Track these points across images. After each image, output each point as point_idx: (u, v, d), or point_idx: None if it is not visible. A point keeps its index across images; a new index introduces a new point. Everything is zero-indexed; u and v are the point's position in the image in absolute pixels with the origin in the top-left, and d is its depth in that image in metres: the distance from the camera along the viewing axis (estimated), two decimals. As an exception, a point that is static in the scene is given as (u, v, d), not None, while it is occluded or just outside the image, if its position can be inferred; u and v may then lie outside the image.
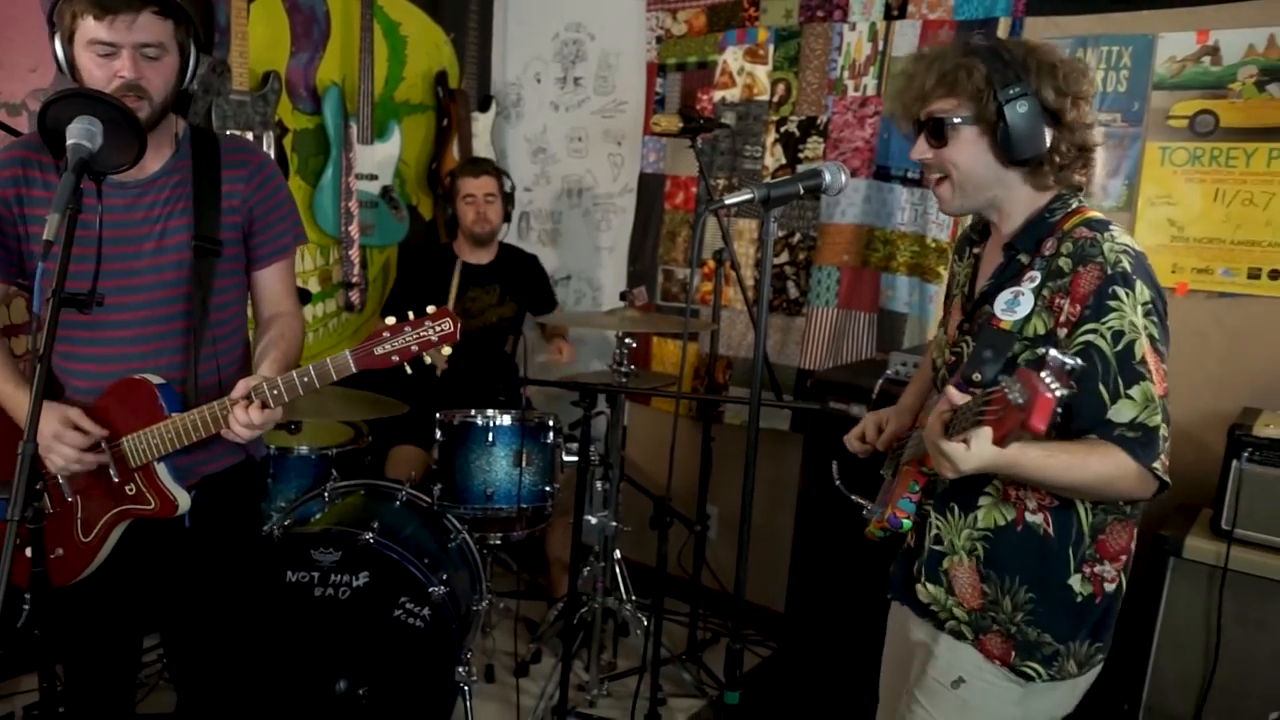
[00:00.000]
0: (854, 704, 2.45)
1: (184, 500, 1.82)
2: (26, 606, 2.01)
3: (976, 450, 1.23)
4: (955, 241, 1.83)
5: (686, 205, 3.54)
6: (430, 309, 1.67)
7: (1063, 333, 1.40)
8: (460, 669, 2.38)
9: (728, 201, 1.54)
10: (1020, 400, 1.10)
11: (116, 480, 1.80)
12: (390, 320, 1.67)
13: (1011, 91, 1.41)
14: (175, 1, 1.70)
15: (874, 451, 1.83)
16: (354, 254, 3.44)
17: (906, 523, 1.61)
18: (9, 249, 1.79)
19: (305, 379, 1.68)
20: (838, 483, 1.94)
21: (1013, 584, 1.49)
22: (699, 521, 2.90)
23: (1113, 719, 2.25)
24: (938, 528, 1.57)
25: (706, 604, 3.31)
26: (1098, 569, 1.49)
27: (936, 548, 1.57)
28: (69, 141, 1.54)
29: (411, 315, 1.67)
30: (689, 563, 3.19)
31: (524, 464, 2.67)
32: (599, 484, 2.89)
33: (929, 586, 1.57)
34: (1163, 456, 1.36)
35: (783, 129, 3.25)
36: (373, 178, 3.49)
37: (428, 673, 2.38)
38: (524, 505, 2.70)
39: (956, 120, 1.46)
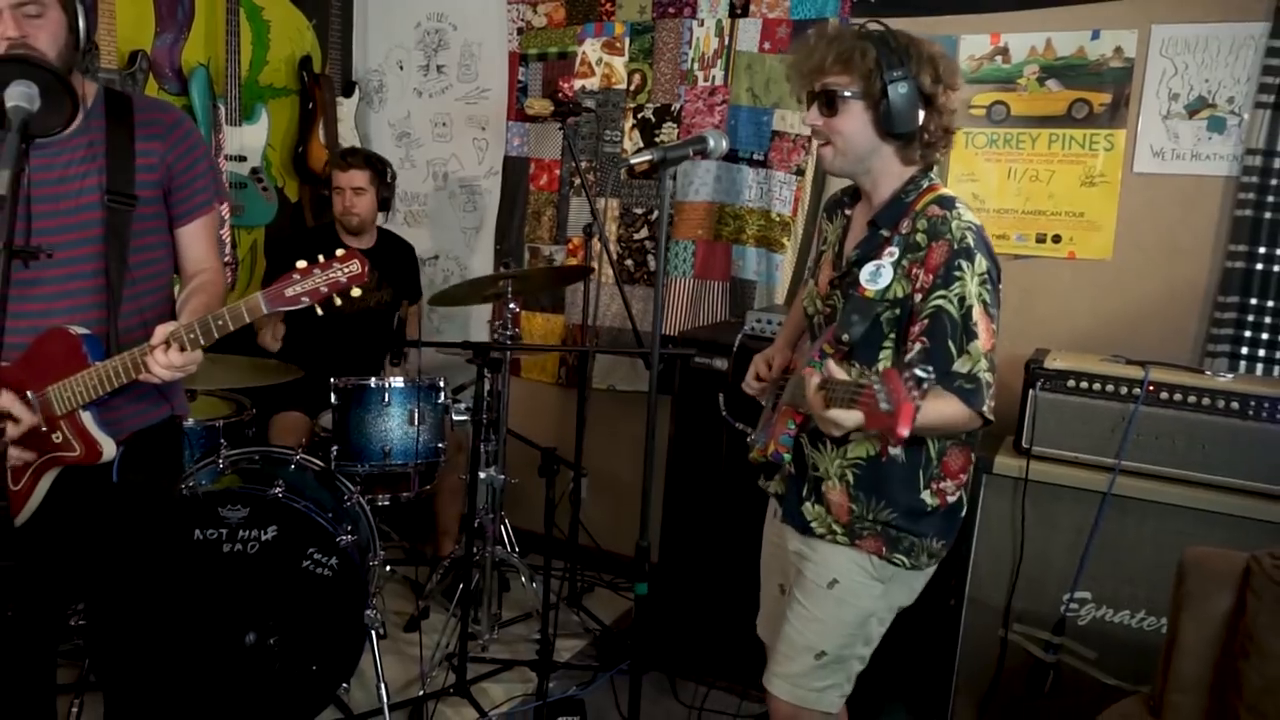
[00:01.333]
0: (730, 626, 2.78)
1: (109, 447, 1.89)
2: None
3: (854, 420, 1.44)
4: (825, 203, 2.08)
5: (550, 186, 3.78)
6: (339, 251, 1.75)
7: (918, 297, 1.69)
8: (369, 612, 2.54)
9: (632, 160, 1.79)
10: (887, 408, 1.32)
11: (43, 429, 1.87)
12: (301, 264, 1.75)
13: (895, 74, 1.68)
14: None
15: (767, 388, 2.09)
16: (225, 234, 3.48)
17: (786, 456, 1.88)
18: None
19: (220, 321, 1.74)
20: (724, 413, 2.22)
21: (877, 504, 1.80)
22: (578, 469, 3.14)
23: (942, 612, 2.66)
24: (814, 459, 1.86)
25: (582, 559, 3.56)
26: (941, 485, 1.82)
27: (815, 474, 1.86)
28: (9, 104, 1.62)
29: (321, 258, 1.74)
30: (564, 524, 3.42)
31: (418, 422, 2.84)
32: (483, 446, 3.09)
33: (814, 507, 1.86)
34: (989, 400, 1.69)
35: (640, 115, 3.54)
36: (241, 159, 3.54)
37: (336, 620, 2.51)
38: (419, 461, 2.87)
39: (847, 94, 1.71)
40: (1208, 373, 2.49)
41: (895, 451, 1.79)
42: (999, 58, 2.95)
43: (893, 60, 1.69)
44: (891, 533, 1.81)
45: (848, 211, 1.94)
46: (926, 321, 1.67)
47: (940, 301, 1.66)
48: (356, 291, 1.78)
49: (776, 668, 1.89)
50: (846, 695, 1.93)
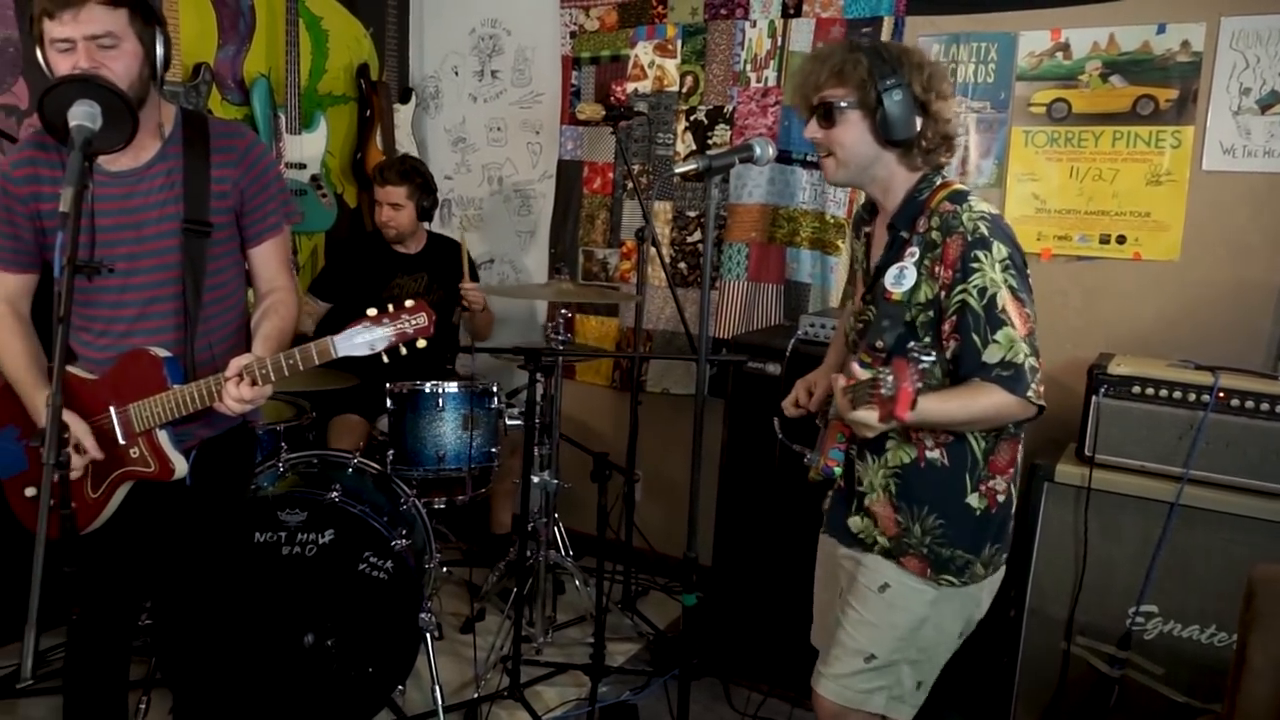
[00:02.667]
0: (785, 632, 2.76)
1: (180, 466, 1.95)
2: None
3: (874, 418, 1.49)
4: (852, 223, 2.09)
5: (604, 190, 3.78)
6: (409, 303, 1.80)
7: (943, 294, 1.69)
8: (424, 615, 2.57)
9: (678, 170, 1.80)
10: (888, 393, 1.38)
11: (123, 443, 1.93)
12: (372, 311, 1.80)
13: (888, 82, 1.70)
14: None
15: (808, 413, 2.07)
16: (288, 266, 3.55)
17: (837, 470, 1.88)
18: (28, 241, 1.92)
19: (290, 361, 1.81)
20: (780, 436, 2.18)
21: (921, 511, 1.79)
22: (630, 475, 3.14)
23: (1002, 624, 2.61)
24: (859, 471, 1.86)
25: (637, 562, 3.56)
26: (990, 484, 1.79)
27: (859, 488, 1.86)
28: (72, 123, 1.68)
29: (391, 308, 1.80)
30: (619, 526, 3.43)
31: (472, 428, 2.87)
32: (537, 450, 3.11)
33: (859, 519, 1.86)
34: (1034, 385, 1.65)
35: (692, 118, 3.52)
36: (301, 166, 3.61)
37: (392, 622, 2.55)
38: (473, 465, 2.90)
39: (843, 104, 1.73)
40: (1281, 378, 2.40)
41: (932, 455, 1.77)
42: (1060, 54, 2.88)
43: (885, 70, 1.71)
44: (941, 552, 1.79)
45: (867, 228, 1.95)
46: (954, 319, 1.68)
47: (961, 296, 1.67)
48: (422, 343, 1.81)
49: (825, 669, 1.89)
50: (903, 703, 1.90)
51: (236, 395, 1.80)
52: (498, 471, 3.13)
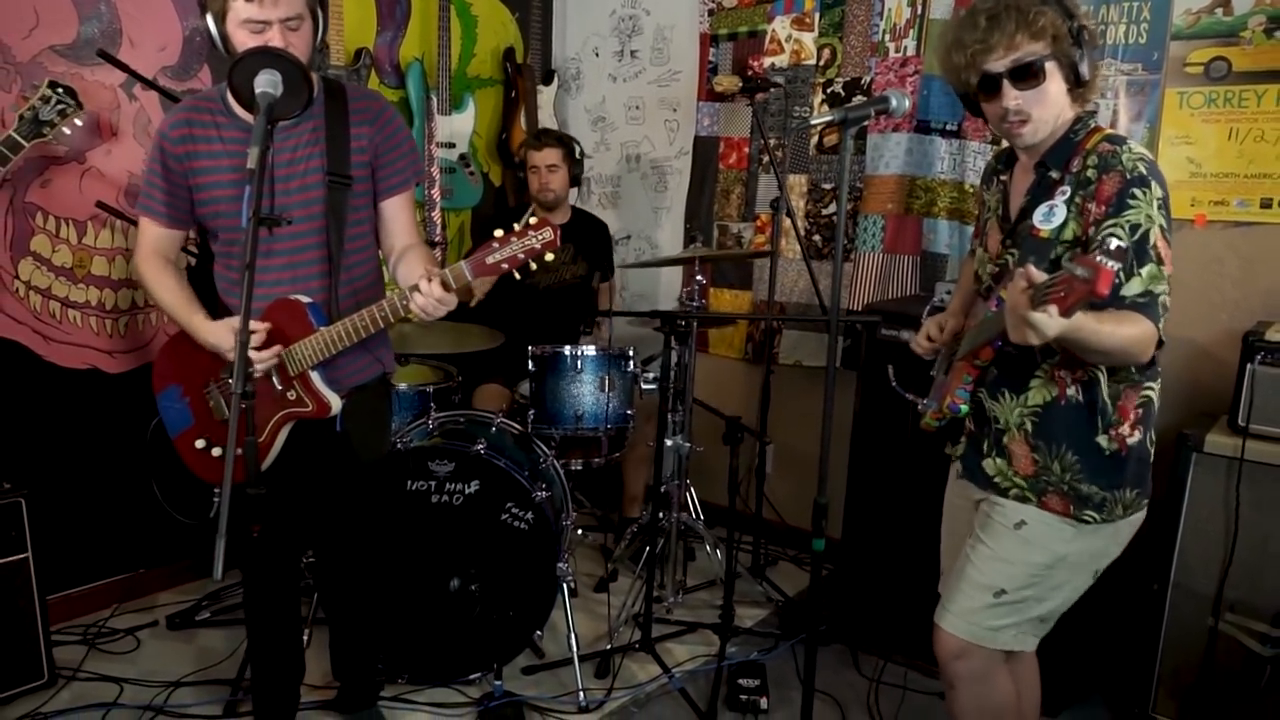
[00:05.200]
0: (912, 604, 2.75)
1: (335, 402, 2.14)
2: (216, 500, 2.32)
3: (1055, 320, 1.43)
4: (984, 173, 2.07)
5: (740, 164, 3.83)
6: (532, 219, 1.91)
7: (1090, 230, 1.67)
8: (561, 565, 2.69)
9: (813, 122, 1.83)
10: (1085, 275, 1.34)
11: (279, 388, 2.12)
12: (499, 233, 1.91)
13: (1075, 24, 1.66)
14: None
15: (937, 351, 2.10)
16: (436, 215, 3.76)
17: (964, 407, 1.89)
18: (182, 199, 2.13)
19: (445, 279, 1.93)
20: (894, 384, 2.23)
21: (1059, 449, 1.77)
22: (762, 438, 3.19)
23: (1145, 598, 2.53)
24: (994, 410, 1.85)
25: (767, 534, 3.60)
26: (1119, 430, 1.76)
27: (996, 426, 1.85)
28: (258, 90, 1.85)
29: (516, 226, 1.89)
30: (750, 500, 3.48)
31: (608, 389, 2.98)
32: (670, 416, 3.19)
33: (996, 460, 1.85)
34: (1163, 319, 1.62)
35: (829, 90, 3.53)
36: (450, 146, 3.80)
37: (531, 571, 2.68)
38: (609, 426, 3.01)
39: (1046, 61, 1.68)
40: None
41: (1071, 392, 1.76)
42: (1219, 10, 2.75)
43: (1065, 11, 1.66)
44: (1081, 489, 1.77)
45: (1003, 177, 1.92)
46: (1099, 254, 1.62)
47: (1112, 229, 1.63)
48: (550, 256, 1.91)
49: (950, 604, 1.89)
50: (1029, 643, 1.90)
51: (428, 290, 1.90)
52: (631, 437, 3.23)
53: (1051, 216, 1.73)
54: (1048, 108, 1.72)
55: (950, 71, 1.80)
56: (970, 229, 3.21)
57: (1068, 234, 1.71)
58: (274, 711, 2.42)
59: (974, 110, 1.86)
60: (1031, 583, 1.82)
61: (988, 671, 1.91)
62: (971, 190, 3.21)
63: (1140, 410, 1.78)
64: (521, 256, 1.91)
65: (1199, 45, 2.79)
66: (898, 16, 3.34)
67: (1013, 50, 1.68)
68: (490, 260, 1.92)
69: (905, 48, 3.34)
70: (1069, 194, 1.72)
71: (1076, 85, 1.71)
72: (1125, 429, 1.77)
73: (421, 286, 1.92)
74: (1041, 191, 1.77)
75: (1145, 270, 1.62)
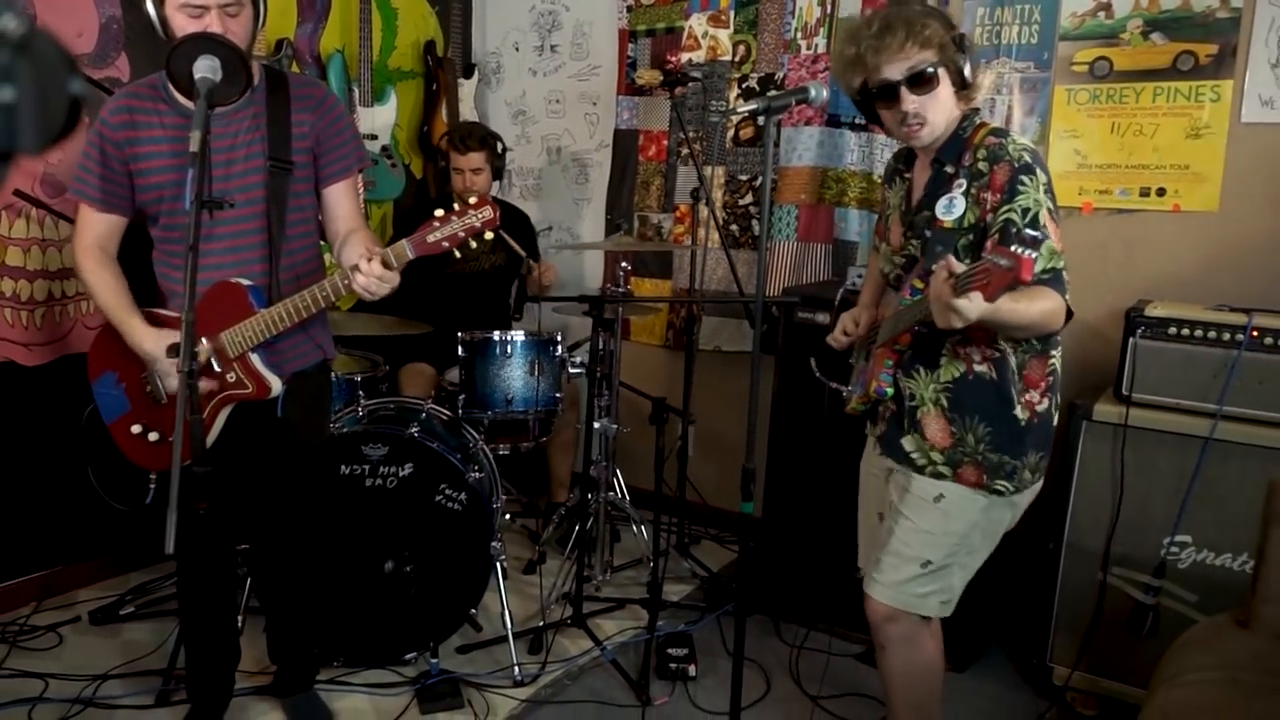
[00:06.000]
0: (830, 576, 2.90)
1: (276, 383, 2.17)
2: (152, 486, 2.32)
3: (976, 304, 1.59)
4: (885, 171, 2.21)
5: (659, 157, 3.95)
6: (472, 199, 1.98)
7: (989, 217, 1.83)
8: (495, 544, 2.76)
9: (739, 109, 1.95)
10: (1008, 265, 1.48)
11: (219, 370, 2.14)
12: (439, 212, 1.97)
13: (955, 33, 1.84)
14: None
15: (852, 345, 2.25)
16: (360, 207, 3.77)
17: (889, 390, 2.02)
18: (121, 185, 2.13)
19: (386, 257, 1.97)
20: (818, 374, 2.34)
21: (973, 420, 1.93)
22: (685, 416, 3.31)
23: (1042, 557, 2.73)
24: (910, 388, 1.99)
25: (689, 515, 3.72)
26: (1028, 397, 1.94)
27: (911, 403, 1.99)
28: (197, 75, 1.88)
29: (456, 206, 1.96)
30: (674, 484, 3.59)
31: (538, 373, 3.06)
32: (596, 401, 3.29)
33: (914, 436, 1.99)
34: (1066, 294, 1.80)
35: (744, 85, 3.67)
36: (372, 138, 3.82)
37: (465, 551, 2.75)
38: (539, 409, 3.09)
39: (935, 68, 1.84)
40: (1315, 318, 2.49)
41: (980, 369, 1.91)
42: (1102, 13, 2.98)
43: (946, 23, 1.84)
44: (992, 459, 1.92)
45: (907, 175, 2.07)
46: (997, 235, 1.80)
47: (1007, 214, 1.80)
48: (489, 235, 1.98)
49: (880, 576, 2.02)
50: (947, 609, 2.05)
51: (370, 270, 1.94)
52: (557, 423, 3.31)
53: (952, 208, 1.89)
54: (940, 110, 1.88)
55: (848, 82, 1.95)
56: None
57: (965, 221, 1.87)
58: (209, 698, 2.43)
59: (871, 118, 2.01)
60: (954, 551, 1.97)
61: (916, 634, 2.06)
62: (880, 180, 3.39)
63: (1050, 378, 1.96)
64: (462, 234, 1.97)
65: (1084, 46, 3.01)
66: (809, 15, 3.50)
67: (907, 59, 1.84)
68: (431, 238, 1.97)
69: (816, 45, 3.50)
70: (965, 186, 1.88)
71: (962, 87, 1.88)
72: (1035, 396, 1.94)
73: (362, 266, 1.96)
74: (938, 185, 1.93)
75: (1043, 248, 1.77)
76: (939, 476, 1.96)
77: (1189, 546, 2.51)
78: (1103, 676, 2.63)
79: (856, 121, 3.43)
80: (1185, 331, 2.54)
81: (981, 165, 1.85)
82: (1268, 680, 1.57)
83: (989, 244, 1.74)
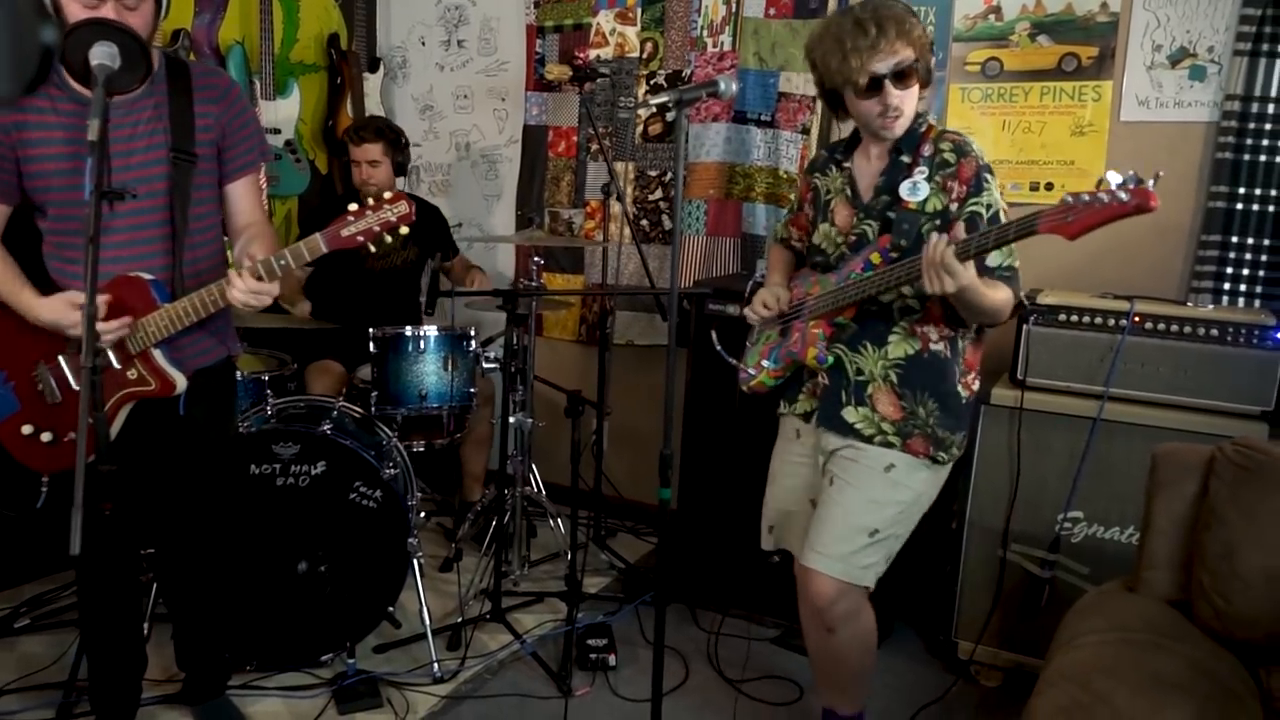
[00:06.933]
0: (743, 564, 2.96)
1: (180, 380, 2.11)
2: (44, 490, 2.21)
3: (969, 273, 1.76)
4: (814, 162, 2.30)
5: (569, 153, 3.96)
6: (387, 194, 1.95)
7: (954, 206, 1.97)
8: (411, 540, 2.74)
9: (652, 102, 1.98)
10: (1127, 197, 1.56)
11: (119, 366, 2.07)
12: (354, 206, 1.94)
13: (927, 37, 1.98)
14: None
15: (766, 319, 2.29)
16: (263, 201, 3.67)
17: (829, 359, 2.10)
18: (8, 172, 2.04)
19: (282, 262, 1.96)
20: (719, 349, 2.43)
21: (923, 396, 2.05)
22: (601, 409, 3.33)
23: (945, 537, 2.85)
24: (857, 363, 2.08)
25: (605, 509, 3.75)
26: (967, 378, 2.08)
27: (859, 378, 2.08)
28: (94, 62, 1.81)
29: (371, 200, 1.93)
30: (589, 478, 3.61)
31: (451, 368, 3.04)
32: (511, 397, 3.28)
33: (858, 409, 2.07)
34: (1021, 291, 2.00)
35: (652, 81, 3.72)
36: (276, 132, 3.74)
37: (382, 548, 2.71)
38: (454, 404, 3.07)
39: (915, 64, 1.96)
40: (1190, 304, 2.66)
41: (936, 347, 2.03)
42: (992, 16, 3.12)
43: (917, 23, 1.96)
44: (937, 432, 2.04)
45: (846, 164, 2.17)
46: (963, 224, 1.93)
47: (974, 207, 1.95)
48: (405, 230, 1.96)
49: (824, 549, 2.06)
50: (876, 580, 2.12)
51: (243, 285, 1.93)
52: (473, 418, 3.30)
53: (916, 190, 2.01)
54: (913, 104, 2.01)
55: (832, 72, 2.01)
56: (786, 212, 3.47)
57: (930, 207, 1.99)
58: (114, 710, 2.35)
59: (835, 106, 2.11)
60: (898, 520, 2.07)
61: (859, 607, 2.14)
62: (785, 176, 3.47)
63: (981, 363, 2.11)
64: (377, 229, 1.95)
65: (976, 46, 3.15)
66: (714, 13, 3.57)
67: (893, 55, 1.94)
68: (346, 232, 1.95)
69: (722, 43, 3.57)
70: (928, 173, 2.00)
71: (925, 85, 2.02)
72: (971, 377, 2.10)
73: (233, 279, 1.93)
74: (896, 172, 2.04)
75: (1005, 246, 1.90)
76: (888, 445, 2.05)
77: (1081, 522, 2.64)
78: (1004, 649, 2.75)
79: (762, 118, 3.51)
80: (1074, 318, 2.68)
81: (948, 156, 1.99)
82: (1155, 639, 1.68)
83: (956, 229, 1.88)
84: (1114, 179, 1.60)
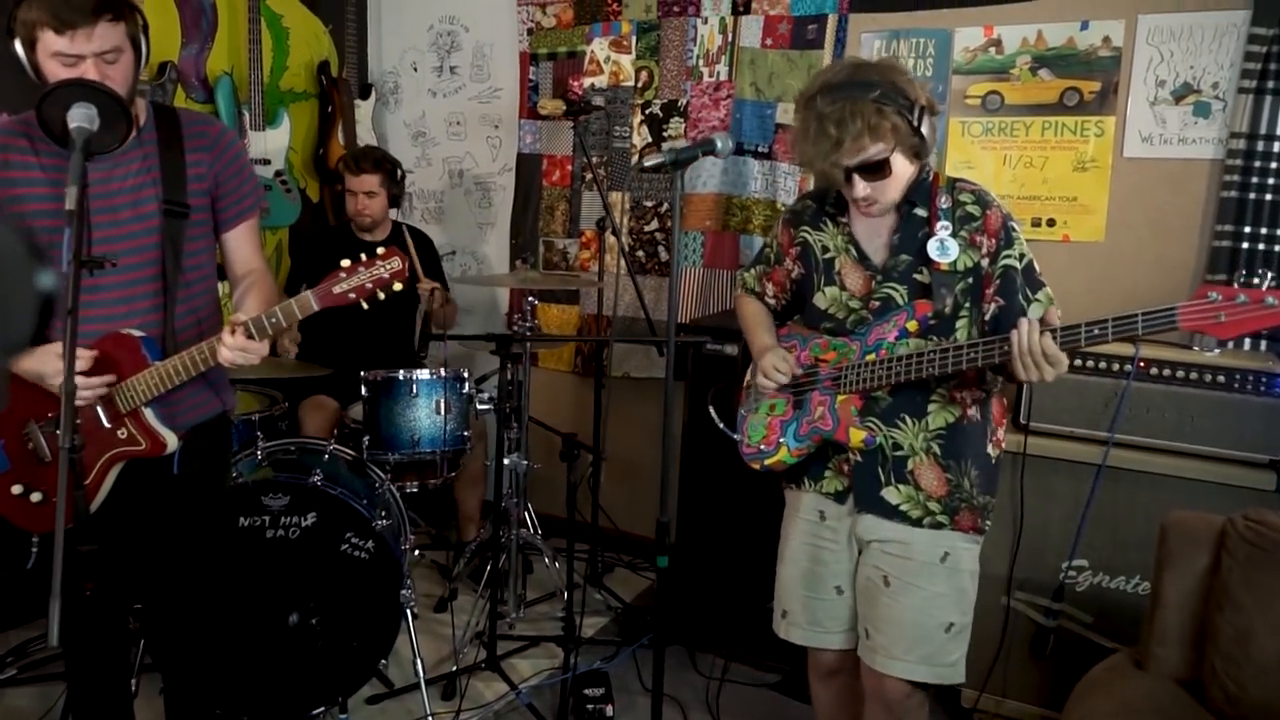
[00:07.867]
0: (744, 605, 2.91)
1: (171, 440, 2.05)
2: (35, 549, 2.17)
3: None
4: (797, 213, 2.09)
5: (563, 182, 3.91)
6: (380, 250, 1.89)
7: (985, 262, 1.85)
8: (404, 592, 2.68)
9: (647, 164, 1.91)
10: (1274, 301, 1.46)
11: (109, 425, 2.01)
12: (346, 263, 1.88)
13: (914, 115, 1.76)
14: (125, 3, 1.88)
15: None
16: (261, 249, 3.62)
17: (879, 439, 1.91)
18: None
19: (273, 320, 1.89)
20: (721, 425, 2.28)
21: (966, 465, 1.91)
22: (598, 452, 3.28)
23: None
24: (894, 437, 1.91)
25: (601, 542, 3.70)
26: (997, 435, 1.97)
27: (898, 454, 1.91)
28: (73, 125, 1.76)
29: (364, 256, 1.87)
30: (584, 510, 3.56)
31: (444, 412, 2.99)
32: (505, 434, 3.23)
33: (900, 488, 1.91)
34: None
35: (647, 111, 3.66)
36: (265, 162, 3.68)
37: (374, 600, 2.66)
38: (447, 449, 3.02)
39: (890, 155, 1.78)
40: (1195, 348, 2.61)
41: (972, 412, 1.92)
42: (993, 49, 3.07)
43: (903, 104, 1.75)
44: (980, 500, 1.93)
45: (842, 219, 1.98)
46: (998, 282, 1.85)
47: (1007, 260, 1.85)
48: (398, 286, 1.91)
49: (903, 655, 1.90)
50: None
51: (232, 344, 1.87)
52: (466, 458, 3.25)
53: (946, 251, 1.85)
54: (893, 189, 1.84)
55: (810, 161, 1.85)
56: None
57: (960, 264, 1.85)
58: (101, 768, 2.30)
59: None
60: (966, 603, 1.94)
61: (926, 693, 2.00)
62: (783, 209, 3.41)
63: (1007, 415, 2.01)
64: (370, 286, 1.89)
65: (976, 80, 3.10)
66: (710, 43, 3.52)
67: (859, 153, 1.77)
68: (338, 289, 1.89)
69: (718, 72, 3.52)
70: (951, 229, 1.85)
71: (919, 156, 1.84)
72: (1001, 434, 1.99)
73: (225, 339, 1.88)
74: (913, 228, 1.89)
75: (1042, 295, 1.85)
76: (938, 526, 1.90)
77: (1086, 570, 2.60)
78: (1007, 698, 2.71)
79: (759, 149, 3.46)
80: (1078, 362, 2.63)
81: (971, 209, 1.86)
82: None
83: (1050, 314, 1.78)
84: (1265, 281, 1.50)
